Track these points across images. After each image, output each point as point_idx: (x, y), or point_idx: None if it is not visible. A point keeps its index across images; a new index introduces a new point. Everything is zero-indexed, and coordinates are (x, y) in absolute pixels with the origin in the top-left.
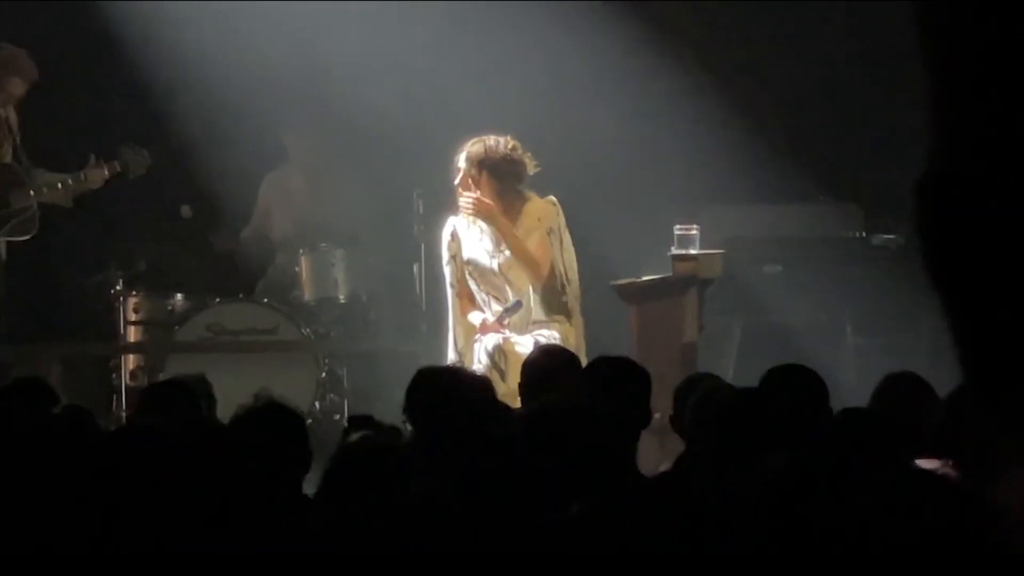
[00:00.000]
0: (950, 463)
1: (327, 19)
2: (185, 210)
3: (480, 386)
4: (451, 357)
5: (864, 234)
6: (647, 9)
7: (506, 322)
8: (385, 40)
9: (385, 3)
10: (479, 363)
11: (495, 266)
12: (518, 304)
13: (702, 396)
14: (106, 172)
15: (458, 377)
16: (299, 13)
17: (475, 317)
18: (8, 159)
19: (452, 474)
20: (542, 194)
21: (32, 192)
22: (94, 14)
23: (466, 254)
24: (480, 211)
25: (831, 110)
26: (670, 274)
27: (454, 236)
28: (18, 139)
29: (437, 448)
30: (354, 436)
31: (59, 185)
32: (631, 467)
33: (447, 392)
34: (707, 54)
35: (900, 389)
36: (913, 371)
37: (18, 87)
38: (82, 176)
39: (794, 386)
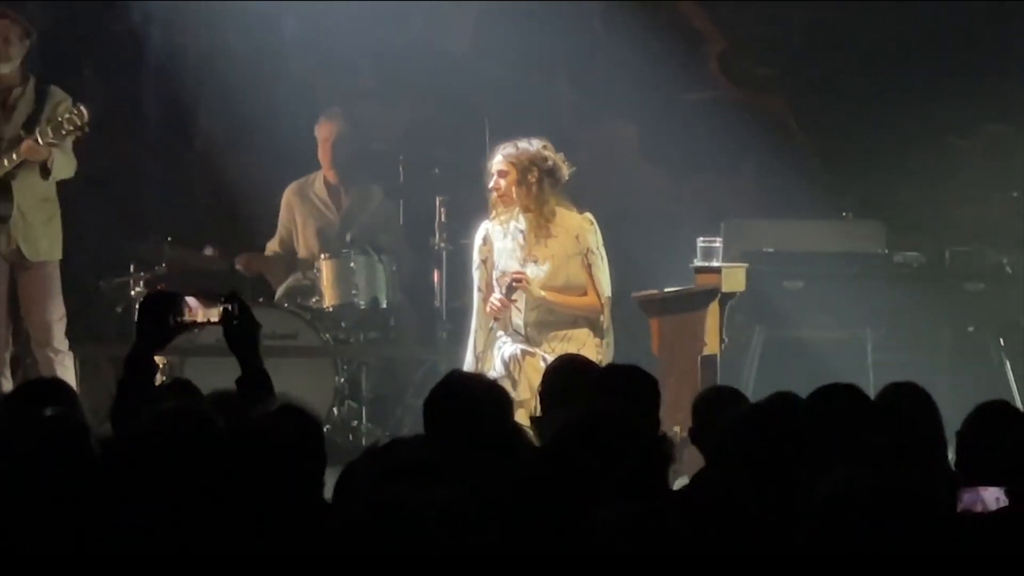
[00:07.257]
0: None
1: (354, 27)
2: (209, 251)
3: (504, 399)
4: (469, 360)
5: (886, 251)
6: (673, 21)
7: (513, 297)
8: (412, 51)
9: (413, 13)
10: (494, 370)
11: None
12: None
13: (732, 410)
14: (38, 139)
15: (485, 388)
16: (327, 22)
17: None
18: None
19: (478, 479)
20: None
21: None
22: (119, 14)
23: (496, 260)
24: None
25: (856, 126)
26: (693, 286)
27: (486, 240)
28: (31, 119)
29: (456, 453)
30: (383, 440)
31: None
32: (662, 477)
33: (471, 400)
34: (734, 68)
35: (905, 399)
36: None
37: None
38: (18, 150)
39: (839, 405)
